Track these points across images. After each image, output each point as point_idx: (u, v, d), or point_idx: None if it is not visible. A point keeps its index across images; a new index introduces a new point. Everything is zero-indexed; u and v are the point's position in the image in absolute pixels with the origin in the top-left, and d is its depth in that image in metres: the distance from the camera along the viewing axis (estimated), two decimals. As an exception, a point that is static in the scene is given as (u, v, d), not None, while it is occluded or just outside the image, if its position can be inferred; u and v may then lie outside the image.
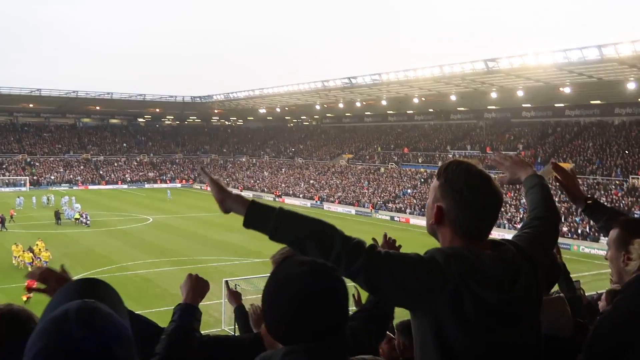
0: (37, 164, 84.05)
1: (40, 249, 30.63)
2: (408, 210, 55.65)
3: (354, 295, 3.71)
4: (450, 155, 65.07)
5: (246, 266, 29.95)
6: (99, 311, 1.15)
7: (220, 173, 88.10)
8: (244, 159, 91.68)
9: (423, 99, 65.90)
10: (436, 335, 1.82)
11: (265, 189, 74.75)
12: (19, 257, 30.04)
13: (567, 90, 50.99)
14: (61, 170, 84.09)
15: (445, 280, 1.80)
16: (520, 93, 54.80)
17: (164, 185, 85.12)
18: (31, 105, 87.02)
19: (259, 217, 1.93)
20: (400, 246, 3.17)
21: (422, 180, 62.23)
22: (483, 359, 1.84)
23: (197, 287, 2.60)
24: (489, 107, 66.78)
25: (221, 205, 2.01)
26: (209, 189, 2.06)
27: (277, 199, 68.76)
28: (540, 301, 2.01)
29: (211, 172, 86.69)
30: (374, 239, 2.50)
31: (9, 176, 78.31)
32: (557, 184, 3.09)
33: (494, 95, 56.89)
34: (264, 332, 1.97)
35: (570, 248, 38.89)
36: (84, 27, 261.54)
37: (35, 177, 79.77)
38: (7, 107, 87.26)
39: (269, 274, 1.72)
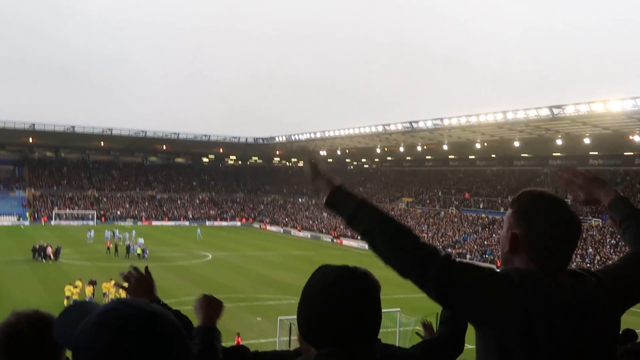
0: (104, 199, 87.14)
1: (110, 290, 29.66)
2: (469, 256, 54.48)
3: (424, 322, 3.72)
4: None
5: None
6: (148, 303, 1.21)
7: (280, 213, 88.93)
8: (303, 200, 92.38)
9: (485, 144, 65.18)
10: (501, 355, 1.75)
11: (324, 230, 74.85)
12: (71, 296, 29.28)
13: (636, 138, 49.42)
14: (127, 206, 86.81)
15: (518, 300, 1.74)
16: (587, 140, 53.50)
17: (224, 223, 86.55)
18: (102, 144, 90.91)
19: (341, 200, 1.98)
20: None
21: (483, 225, 60.98)
22: None
23: (212, 307, 2.60)
24: (554, 154, 65.31)
25: (311, 182, 2.08)
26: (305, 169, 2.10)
27: (334, 240, 68.69)
28: (615, 342, 1.88)
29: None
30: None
31: (78, 210, 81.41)
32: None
33: (559, 142, 55.73)
34: (299, 337, 2.00)
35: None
36: (151, 65, 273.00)
37: (102, 212, 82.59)
38: (80, 146, 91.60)
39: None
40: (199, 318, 2.57)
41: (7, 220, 74.64)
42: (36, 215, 78.10)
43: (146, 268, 2.30)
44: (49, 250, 44.22)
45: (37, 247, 44.46)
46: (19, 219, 76.17)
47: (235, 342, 21.06)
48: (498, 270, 1.87)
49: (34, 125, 79.67)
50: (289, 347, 21.60)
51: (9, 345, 1.75)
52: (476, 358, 1.87)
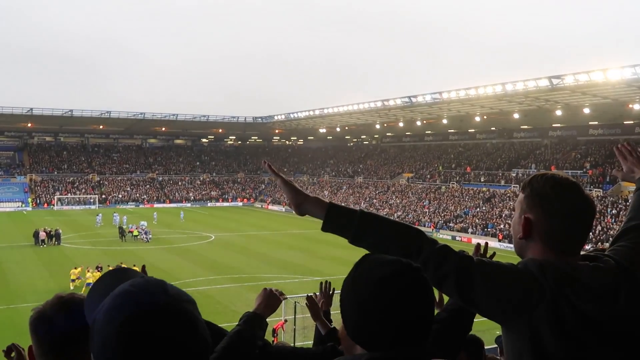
0: (105, 183, 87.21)
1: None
2: (470, 230, 54.66)
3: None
4: (514, 175, 63.74)
5: (306, 284, 30.05)
6: (162, 281, 1.18)
7: (281, 192, 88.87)
8: (304, 178, 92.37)
9: (485, 117, 65.01)
10: (533, 351, 1.69)
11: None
12: (76, 280, 29.70)
13: (636, 106, 49.25)
14: (128, 189, 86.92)
15: (541, 292, 1.68)
16: (586, 110, 53.30)
17: (225, 204, 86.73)
18: (101, 127, 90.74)
19: (339, 221, 1.86)
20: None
21: (485, 199, 61.07)
22: None
23: (270, 300, 2.70)
24: (554, 125, 65.17)
25: (297, 209, 1.95)
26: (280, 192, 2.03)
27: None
28: None
29: (274, 184, 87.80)
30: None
31: (79, 195, 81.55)
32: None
33: (559, 112, 55.53)
34: (341, 334, 1.83)
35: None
36: (148, 47, 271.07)
37: (104, 196, 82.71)
38: (79, 129, 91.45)
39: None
40: (254, 306, 2.67)
41: (10, 207, 74.80)
42: (38, 201, 78.24)
43: (143, 267, 2.26)
44: (42, 235, 44.38)
45: (39, 232, 44.65)
46: (21, 205, 76.33)
47: (278, 326, 21.29)
48: (515, 264, 1.80)
49: (32, 109, 79.40)
50: (294, 325, 21.79)
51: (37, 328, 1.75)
52: (505, 352, 1.82)
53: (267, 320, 2.63)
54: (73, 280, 29.76)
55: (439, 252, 1.76)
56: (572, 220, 1.83)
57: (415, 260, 1.71)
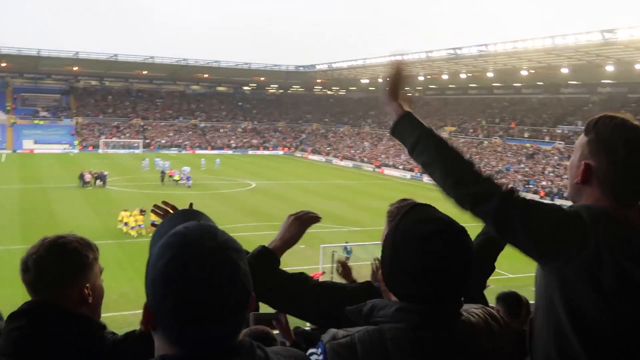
0: (149, 128, 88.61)
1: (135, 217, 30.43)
2: (511, 186, 53.95)
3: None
4: (559, 131, 62.31)
5: (344, 234, 30.40)
6: (216, 227, 1.25)
7: (322, 142, 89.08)
8: (344, 129, 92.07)
9: (532, 71, 63.24)
10: (565, 298, 1.65)
11: (365, 159, 74.89)
12: (123, 221, 29.99)
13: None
14: (171, 134, 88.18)
15: (587, 241, 1.61)
16: (639, 67, 51.34)
17: (266, 152, 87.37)
18: (145, 72, 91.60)
19: (406, 128, 1.94)
20: None
21: (528, 155, 60.04)
22: (620, 335, 1.62)
23: (290, 229, 2.35)
24: (603, 81, 63.05)
25: (382, 105, 2.04)
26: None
27: (376, 169, 68.81)
28: None
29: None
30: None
31: (124, 139, 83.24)
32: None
33: (610, 68, 53.67)
34: (380, 277, 1.93)
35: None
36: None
37: (147, 141, 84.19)
38: (123, 74, 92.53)
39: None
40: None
41: (57, 148, 76.88)
42: (84, 144, 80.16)
43: (190, 205, 2.26)
44: (88, 177, 45.71)
45: (84, 174, 46.00)
46: (68, 147, 78.36)
47: (315, 276, 21.51)
48: (567, 208, 1.75)
49: (77, 53, 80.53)
50: (332, 273, 22.21)
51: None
52: (536, 294, 1.80)
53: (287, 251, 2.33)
54: (126, 224, 30.15)
55: (486, 186, 1.76)
56: (637, 172, 1.72)
57: (460, 189, 1.78)
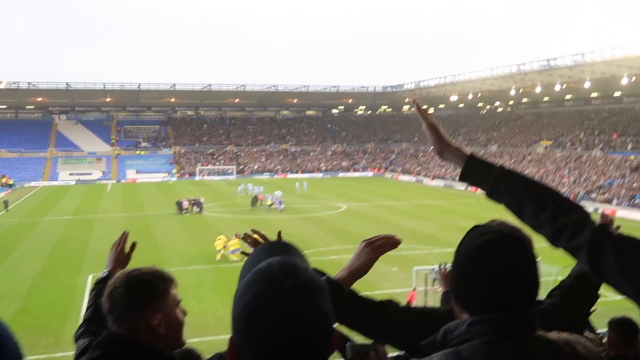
0: (242, 154, 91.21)
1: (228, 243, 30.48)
2: (615, 202, 51.15)
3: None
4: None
5: (437, 256, 29.76)
6: (299, 265, 1.26)
7: (411, 162, 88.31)
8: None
9: (634, 78, 59.95)
10: None
11: (457, 178, 73.31)
12: (222, 249, 30.10)
13: None
14: (263, 160, 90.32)
15: None
16: None
17: (356, 174, 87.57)
18: (237, 100, 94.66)
19: (477, 172, 1.85)
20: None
21: (632, 168, 56.76)
22: None
23: (360, 258, 2.31)
24: None
25: (439, 155, 1.96)
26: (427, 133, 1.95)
27: (468, 188, 67.22)
28: None
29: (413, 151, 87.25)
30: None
31: (219, 165, 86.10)
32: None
33: None
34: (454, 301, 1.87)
35: None
36: (276, 26, 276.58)
37: (241, 167, 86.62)
38: (217, 103, 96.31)
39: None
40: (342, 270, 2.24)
41: (157, 177, 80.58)
42: (182, 172, 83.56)
43: (279, 234, 2.20)
44: (185, 204, 47.35)
45: (182, 202, 47.79)
46: (167, 176, 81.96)
47: (411, 298, 21.24)
48: None
49: (174, 85, 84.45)
50: (425, 296, 21.75)
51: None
52: None
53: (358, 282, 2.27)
54: (219, 251, 30.44)
55: (577, 222, 1.66)
56: None
57: (550, 224, 1.69)
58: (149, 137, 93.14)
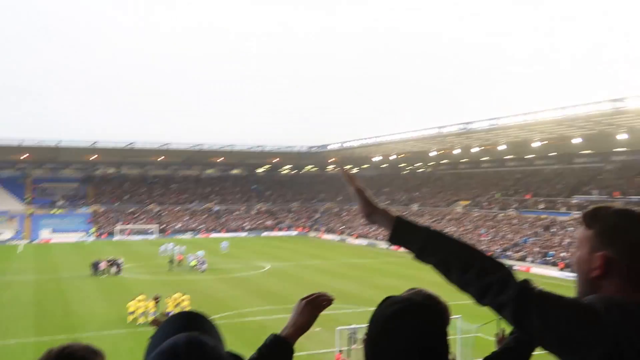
0: (164, 213, 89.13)
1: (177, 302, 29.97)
2: (529, 259, 53.03)
3: (497, 334, 3.56)
4: (575, 201, 61.73)
5: (360, 314, 29.62)
6: (205, 345, 1.20)
7: (336, 221, 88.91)
8: (358, 206, 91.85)
9: (544, 142, 63.48)
10: None
11: (380, 237, 74.30)
12: (135, 311, 29.41)
13: None
14: (186, 219, 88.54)
15: (603, 332, 1.56)
16: (652, 134, 51.38)
17: (280, 233, 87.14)
18: (161, 159, 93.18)
19: (406, 234, 1.86)
20: None
21: (545, 226, 59.29)
22: None
23: (303, 315, 2.25)
24: (616, 149, 63.03)
25: (367, 218, 1.97)
26: (355, 199, 1.97)
27: (390, 247, 68.08)
28: None
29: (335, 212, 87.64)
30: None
31: (139, 225, 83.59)
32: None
33: (622, 136, 53.70)
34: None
35: None
36: (199, 85, 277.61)
37: (163, 226, 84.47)
38: (139, 161, 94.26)
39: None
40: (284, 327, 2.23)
41: (73, 237, 77.23)
42: (100, 231, 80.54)
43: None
44: (103, 265, 45.72)
45: (98, 263, 45.96)
46: (84, 236, 78.73)
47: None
48: (581, 300, 1.70)
49: (95, 142, 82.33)
50: (349, 356, 21.47)
51: None
52: None
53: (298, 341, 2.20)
54: (132, 313, 29.77)
55: (501, 280, 1.68)
56: None
57: (475, 283, 1.71)
58: (67, 195, 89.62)
